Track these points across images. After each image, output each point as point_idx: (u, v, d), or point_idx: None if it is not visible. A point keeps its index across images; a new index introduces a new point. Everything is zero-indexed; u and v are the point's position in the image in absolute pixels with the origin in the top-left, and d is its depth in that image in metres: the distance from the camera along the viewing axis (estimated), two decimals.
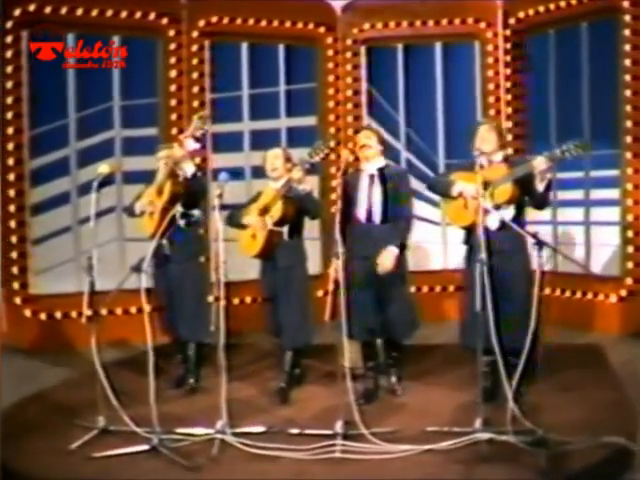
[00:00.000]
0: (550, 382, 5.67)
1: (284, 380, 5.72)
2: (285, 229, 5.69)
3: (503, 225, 5.25)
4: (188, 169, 5.83)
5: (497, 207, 5.22)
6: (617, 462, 4.28)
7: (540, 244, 4.58)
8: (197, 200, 6.03)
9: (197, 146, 5.84)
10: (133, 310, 7.53)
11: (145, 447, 4.51)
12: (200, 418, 4.95)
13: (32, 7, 7.60)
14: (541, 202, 5.36)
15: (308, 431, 4.72)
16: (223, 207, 4.93)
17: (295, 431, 4.76)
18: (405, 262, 5.72)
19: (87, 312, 4.87)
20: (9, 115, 7.61)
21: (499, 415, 4.62)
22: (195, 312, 5.90)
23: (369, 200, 5.58)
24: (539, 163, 5.01)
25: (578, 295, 7.99)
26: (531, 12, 8.37)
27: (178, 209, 5.87)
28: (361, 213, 5.61)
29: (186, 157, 5.83)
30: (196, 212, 6.06)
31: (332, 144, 5.66)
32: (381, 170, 5.68)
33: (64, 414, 5.31)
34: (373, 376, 5.68)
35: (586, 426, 4.60)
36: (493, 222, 5.27)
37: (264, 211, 5.65)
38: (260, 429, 4.84)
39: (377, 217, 5.58)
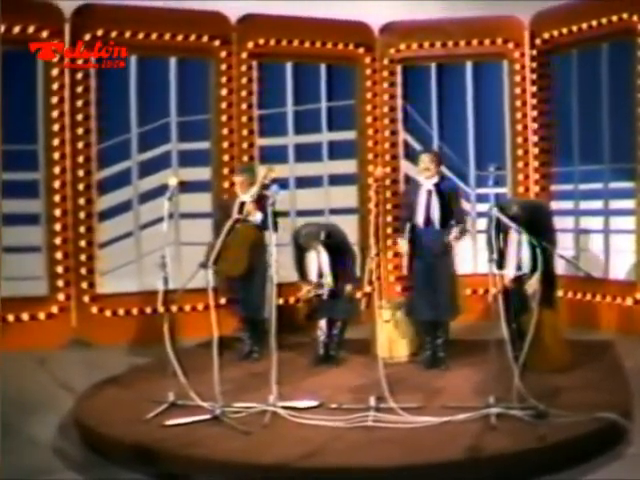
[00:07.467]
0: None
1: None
2: None
3: None
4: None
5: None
6: (609, 434, 4.88)
7: (543, 248, 5.32)
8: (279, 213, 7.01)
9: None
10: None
11: (208, 416, 5.15)
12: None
13: (100, 32, 8.29)
14: None
15: (345, 405, 5.39)
16: (275, 214, 5.94)
17: (334, 405, 5.42)
18: (454, 263, 6.66)
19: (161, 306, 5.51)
20: (79, 131, 8.26)
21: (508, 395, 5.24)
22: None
23: (427, 210, 6.54)
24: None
25: (597, 298, 8.49)
26: (556, 33, 8.92)
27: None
28: (420, 220, 6.57)
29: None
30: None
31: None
32: (437, 185, 6.61)
33: (136, 393, 5.92)
34: (431, 348, 6.69)
35: (585, 404, 5.17)
36: None
37: None
38: (308, 404, 5.44)
39: (436, 223, 6.55)
